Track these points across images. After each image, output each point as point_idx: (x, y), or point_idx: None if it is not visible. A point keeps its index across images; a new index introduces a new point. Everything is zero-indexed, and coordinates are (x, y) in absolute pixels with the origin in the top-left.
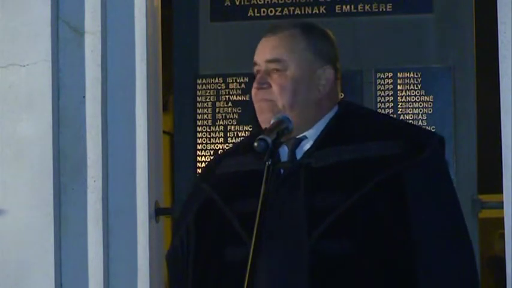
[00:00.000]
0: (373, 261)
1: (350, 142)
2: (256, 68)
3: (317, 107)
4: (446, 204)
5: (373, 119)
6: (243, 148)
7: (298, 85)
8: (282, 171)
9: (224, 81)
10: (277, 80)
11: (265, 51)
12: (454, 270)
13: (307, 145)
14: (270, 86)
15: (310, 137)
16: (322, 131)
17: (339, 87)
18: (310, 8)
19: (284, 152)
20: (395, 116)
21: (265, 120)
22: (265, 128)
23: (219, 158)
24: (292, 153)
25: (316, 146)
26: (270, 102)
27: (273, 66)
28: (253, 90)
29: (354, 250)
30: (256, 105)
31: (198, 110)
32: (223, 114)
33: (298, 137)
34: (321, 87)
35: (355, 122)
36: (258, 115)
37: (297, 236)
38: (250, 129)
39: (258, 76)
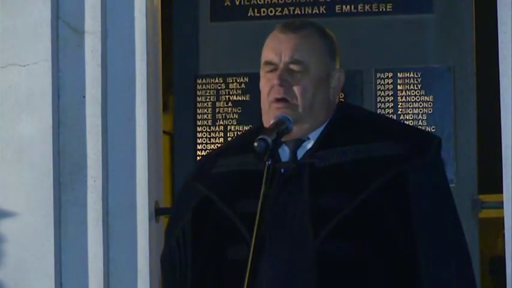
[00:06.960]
0: (378, 261)
1: (352, 143)
2: (269, 67)
3: (327, 110)
4: (446, 208)
5: (373, 120)
6: (240, 147)
7: (318, 87)
8: (282, 171)
9: (224, 81)
10: (301, 81)
11: (286, 51)
12: (451, 272)
13: (308, 145)
14: (290, 85)
15: (312, 137)
16: (322, 132)
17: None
18: (310, 8)
19: (284, 152)
20: (395, 116)
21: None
22: (265, 127)
23: (213, 157)
24: (294, 153)
25: (317, 147)
26: (287, 103)
27: (294, 67)
28: (271, 87)
29: (360, 250)
30: (272, 105)
31: (198, 110)
32: (223, 114)
33: (299, 137)
34: (332, 89)
35: (355, 123)
36: (267, 113)
37: (303, 237)
38: None
39: (278, 73)
